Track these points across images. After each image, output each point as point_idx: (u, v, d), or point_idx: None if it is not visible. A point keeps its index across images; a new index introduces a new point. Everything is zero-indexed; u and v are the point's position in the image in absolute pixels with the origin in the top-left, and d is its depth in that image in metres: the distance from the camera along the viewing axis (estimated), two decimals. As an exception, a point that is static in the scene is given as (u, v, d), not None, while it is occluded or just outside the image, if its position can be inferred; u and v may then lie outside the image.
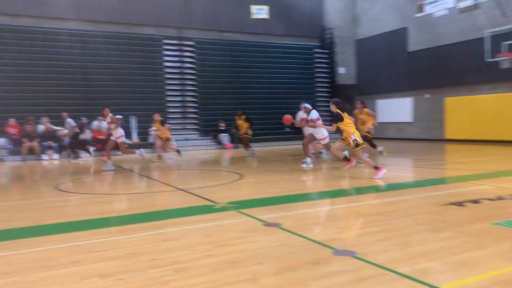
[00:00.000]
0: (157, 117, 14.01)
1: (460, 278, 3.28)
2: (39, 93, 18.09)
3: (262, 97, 21.89)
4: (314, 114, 10.22)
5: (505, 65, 16.77)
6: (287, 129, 18.03)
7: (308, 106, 10.57)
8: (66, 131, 16.62)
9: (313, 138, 10.39)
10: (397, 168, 11.39)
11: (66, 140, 16.61)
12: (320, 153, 12.53)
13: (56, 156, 16.34)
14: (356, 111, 12.59)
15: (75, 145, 15.88)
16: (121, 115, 18.15)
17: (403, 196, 6.91)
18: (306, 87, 23.50)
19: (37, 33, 18.73)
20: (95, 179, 10.61)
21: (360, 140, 8.51)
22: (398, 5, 22.44)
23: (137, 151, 12.67)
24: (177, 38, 21.32)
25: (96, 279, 3.43)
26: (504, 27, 16.73)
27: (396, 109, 22.75)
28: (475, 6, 17.45)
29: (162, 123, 13.82)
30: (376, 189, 7.63)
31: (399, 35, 22.40)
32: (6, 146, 16.41)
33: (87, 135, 17.22)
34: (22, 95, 17.80)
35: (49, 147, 16.44)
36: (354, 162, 9.60)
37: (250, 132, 14.95)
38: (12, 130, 16.65)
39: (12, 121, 16.75)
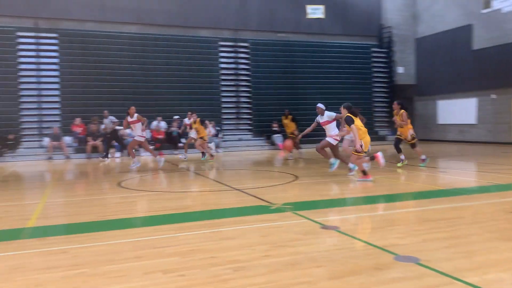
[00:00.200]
0: (194, 116, 14.23)
1: (537, 292, 3.05)
2: (102, 94, 19.01)
3: (317, 98, 21.52)
4: (331, 113, 9.65)
5: None
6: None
7: (321, 106, 9.85)
8: (128, 131, 17.33)
9: (327, 143, 9.59)
10: (461, 172, 10.85)
11: (128, 139, 17.32)
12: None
13: (118, 154, 17.08)
14: (394, 113, 11.30)
15: (108, 143, 16.43)
16: (178, 115, 18.77)
17: (468, 201, 6.55)
18: (363, 88, 23.00)
19: (101, 37, 19.70)
20: (154, 177, 10.96)
21: (364, 148, 8.41)
22: (462, 1, 21.39)
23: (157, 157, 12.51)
24: (232, 39, 21.62)
25: (159, 274, 3.54)
26: None
27: (459, 110, 21.70)
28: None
29: (202, 122, 14.06)
30: (437, 193, 7.30)
31: (464, 32, 21.33)
32: (72, 144, 17.41)
33: (146, 134, 17.86)
34: (87, 96, 18.78)
35: (112, 146, 17.21)
36: (370, 178, 8.70)
37: (297, 132, 14.80)
38: (77, 129, 17.64)
39: (77, 121, 17.75)
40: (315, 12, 20.92)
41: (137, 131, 11.66)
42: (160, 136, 18.05)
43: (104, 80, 19.22)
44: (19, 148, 17.04)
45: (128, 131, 17.61)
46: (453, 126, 21.88)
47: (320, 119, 9.78)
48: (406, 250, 4.04)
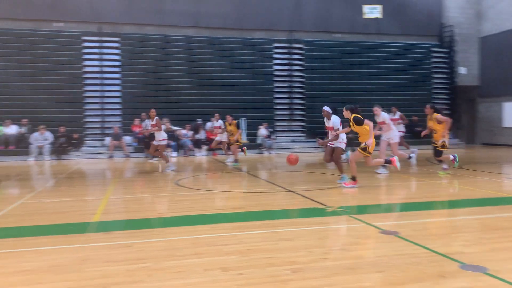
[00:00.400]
0: (230, 118, 13.89)
1: None
2: (160, 95, 19.64)
3: (374, 99, 21.01)
4: (336, 120, 8.70)
5: None
6: None
7: (328, 109, 8.82)
8: (184, 132, 17.85)
9: (340, 150, 8.79)
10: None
11: (184, 139, 17.83)
12: (410, 158, 11.10)
13: (174, 153, 17.59)
14: (428, 117, 10.24)
15: (147, 144, 16.82)
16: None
17: (540, 210, 6.13)
18: (422, 89, 22.15)
19: (159, 41, 20.38)
20: (209, 176, 11.18)
21: (370, 149, 8.02)
22: (532, -3, 20.07)
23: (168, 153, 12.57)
24: (287, 41, 21.61)
25: (218, 271, 3.60)
26: None
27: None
28: None
29: (238, 125, 13.76)
30: (506, 201, 6.88)
31: (533, 30, 20.00)
32: (131, 144, 18.15)
33: (201, 135, 18.29)
34: (146, 97, 19.48)
35: (168, 146, 17.76)
36: (356, 184, 8.29)
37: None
38: (136, 129, 18.35)
39: (137, 121, 18.46)
40: (372, 11, 20.44)
41: (157, 135, 11.71)
42: (215, 137, 18.34)
43: (161, 82, 19.87)
44: (83, 146, 17.98)
45: (183, 131, 18.19)
46: (521, 129, 20.58)
47: (326, 123, 8.91)
48: (473, 259, 3.84)
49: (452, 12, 23.10)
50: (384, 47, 22.35)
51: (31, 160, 16.13)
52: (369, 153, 8.09)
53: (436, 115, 9.88)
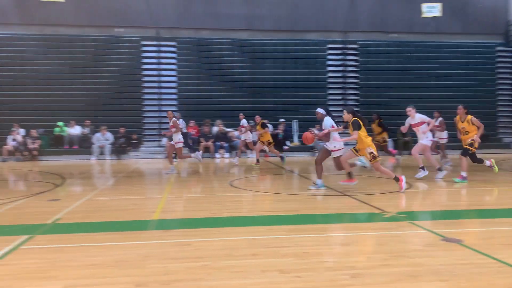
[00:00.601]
0: (258, 119, 13.70)
1: None
2: (213, 98, 20.04)
3: (432, 101, 20.34)
4: (328, 122, 8.34)
5: None
6: None
7: (321, 111, 8.61)
8: (236, 133, 18.06)
9: (327, 153, 8.48)
10: None
11: (236, 141, 18.04)
12: (447, 162, 10.42)
13: (227, 155, 17.86)
14: (457, 118, 9.70)
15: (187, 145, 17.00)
16: (284, 119, 19.03)
17: None
18: (485, 90, 21.02)
19: (214, 44, 20.81)
20: (261, 177, 11.23)
21: (376, 153, 7.72)
22: None
23: (192, 154, 12.35)
24: (341, 42, 21.32)
25: (275, 273, 3.61)
26: None
27: None
28: None
29: (263, 125, 13.51)
30: None
31: None
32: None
33: (254, 136, 18.40)
34: (201, 99, 19.95)
35: (221, 147, 18.06)
36: (355, 182, 8.20)
37: (386, 138, 13.78)
38: (192, 131, 18.82)
39: (192, 123, 18.93)
40: (431, 10, 19.69)
41: (174, 136, 11.62)
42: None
43: (215, 84, 20.25)
44: (141, 147, 18.70)
45: (236, 133, 18.38)
46: None
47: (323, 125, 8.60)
48: (548, 272, 3.59)
49: (519, 9, 21.81)
50: (444, 47, 21.46)
51: (93, 159, 16.98)
52: (378, 156, 7.83)
53: (471, 117, 9.35)
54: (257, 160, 13.44)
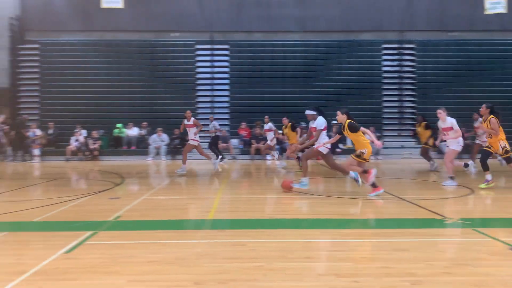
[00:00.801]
0: (286, 121, 13.42)
1: None
2: (265, 99, 20.11)
3: (496, 102, 19.21)
4: (320, 121, 8.30)
5: None
6: None
7: (310, 112, 8.56)
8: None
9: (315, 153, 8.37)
10: None
11: (287, 143, 17.97)
12: (467, 165, 9.63)
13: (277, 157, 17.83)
14: (483, 119, 9.02)
15: (212, 147, 16.97)
16: (336, 121, 18.71)
17: None
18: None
19: (266, 46, 20.91)
20: (313, 180, 11.11)
21: (367, 155, 7.48)
22: None
23: (213, 160, 12.38)
24: (397, 41, 20.71)
25: (332, 277, 3.55)
26: None
27: None
28: None
29: (293, 128, 13.16)
30: None
31: None
32: (238, 146, 18.83)
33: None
34: (253, 101, 20.10)
35: (269, 149, 18.05)
36: (381, 190, 7.66)
37: (432, 141, 12.46)
38: (243, 133, 19.01)
39: (243, 125, 19.12)
40: (496, 6, 18.66)
41: (191, 135, 11.77)
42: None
43: (267, 86, 20.31)
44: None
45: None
46: None
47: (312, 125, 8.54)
48: None
49: None
50: (509, 45, 20.24)
51: (149, 160, 17.58)
52: (364, 159, 7.57)
53: (491, 117, 8.63)
54: (298, 158, 13.21)
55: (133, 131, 18.85)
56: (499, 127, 8.61)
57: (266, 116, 15.16)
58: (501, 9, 18.82)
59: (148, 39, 20.93)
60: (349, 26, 20.85)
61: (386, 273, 3.62)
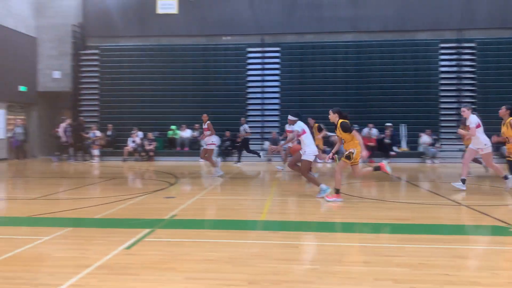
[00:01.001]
0: (312, 122, 13.07)
1: None
2: (316, 102, 19.89)
3: None
4: (298, 126, 8.09)
5: None
6: None
7: (291, 118, 8.41)
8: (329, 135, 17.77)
9: (306, 163, 8.00)
10: None
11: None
12: (506, 178, 8.77)
13: (329, 160, 17.60)
14: (502, 122, 8.52)
15: (240, 149, 16.73)
16: (391, 123, 18.22)
17: None
18: None
19: (317, 48, 20.70)
20: (365, 184, 10.87)
21: (356, 156, 7.18)
22: None
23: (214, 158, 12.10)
24: (455, 41, 19.83)
25: (389, 282, 3.46)
26: None
27: None
28: None
29: (319, 129, 12.79)
30: None
31: None
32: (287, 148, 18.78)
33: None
34: (303, 103, 19.94)
35: (323, 151, 17.85)
36: (340, 198, 7.47)
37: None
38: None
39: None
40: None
41: (206, 139, 11.79)
42: (371, 144, 17.84)
43: (318, 88, 20.11)
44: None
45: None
46: None
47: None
48: None
49: None
50: None
51: (201, 161, 17.93)
52: (355, 161, 7.29)
53: (510, 119, 8.08)
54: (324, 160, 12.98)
55: (186, 133, 19.34)
56: None
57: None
58: None
59: (200, 43, 21.41)
60: (404, 25, 20.23)
61: (447, 280, 3.47)
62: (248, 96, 20.88)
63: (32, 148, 20.58)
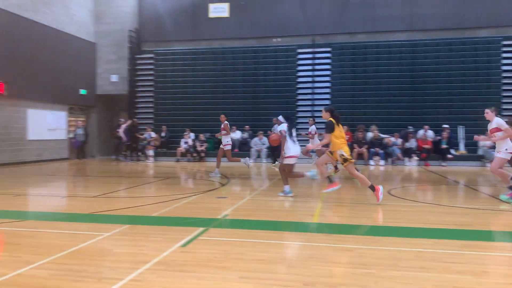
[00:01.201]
0: (311, 122, 13.08)
1: None
2: (368, 102, 19.51)
3: None
4: (282, 127, 8.29)
5: None
6: None
7: (280, 119, 8.53)
8: (393, 139, 17.29)
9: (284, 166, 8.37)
10: None
11: (392, 148, 17.27)
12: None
13: (382, 162, 17.19)
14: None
15: (273, 151, 16.32)
16: (447, 125, 17.48)
17: None
18: None
19: (370, 47, 20.26)
20: (421, 187, 10.50)
21: (348, 155, 7.28)
22: None
23: (242, 159, 12.11)
24: (519, 37, 18.74)
25: (450, 290, 3.31)
26: None
27: None
28: None
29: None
30: None
31: None
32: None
33: (412, 143, 17.36)
34: (354, 104, 19.63)
35: (376, 154, 17.46)
36: (338, 186, 7.90)
37: None
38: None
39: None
40: None
41: (223, 139, 12.02)
42: (427, 146, 17.21)
43: (370, 89, 19.69)
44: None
45: (392, 139, 17.53)
46: None
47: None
48: None
49: None
50: None
51: (250, 162, 18.05)
52: (351, 158, 7.38)
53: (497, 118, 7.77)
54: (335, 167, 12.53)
55: (236, 134, 19.55)
56: None
57: (310, 119, 14.97)
58: None
59: (251, 45, 21.59)
60: (462, 23, 19.36)
61: (514, 290, 3.28)
62: (299, 98, 20.79)
63: (91, 148, 21.64)
